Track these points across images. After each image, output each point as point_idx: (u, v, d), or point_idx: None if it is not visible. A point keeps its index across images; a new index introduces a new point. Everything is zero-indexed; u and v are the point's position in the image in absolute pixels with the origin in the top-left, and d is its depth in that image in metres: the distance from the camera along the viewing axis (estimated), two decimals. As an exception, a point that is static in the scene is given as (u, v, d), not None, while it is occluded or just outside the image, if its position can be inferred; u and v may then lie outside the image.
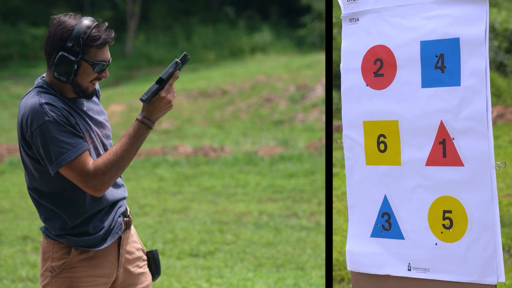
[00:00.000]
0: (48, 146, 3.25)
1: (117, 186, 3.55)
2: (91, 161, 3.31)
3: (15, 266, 7.34)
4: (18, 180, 11.67)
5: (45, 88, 3.37)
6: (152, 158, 12.80)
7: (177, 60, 3.42)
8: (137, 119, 3.38)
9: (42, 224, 3.51)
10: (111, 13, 24.41)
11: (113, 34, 3.39)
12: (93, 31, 3.31)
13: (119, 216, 3.52)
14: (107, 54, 3.39)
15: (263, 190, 10.52)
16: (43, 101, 3.29)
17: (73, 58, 3.29)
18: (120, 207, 3.55)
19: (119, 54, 22.75)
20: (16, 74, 21.85)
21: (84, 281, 3.42)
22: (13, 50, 23.87)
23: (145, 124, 3.37)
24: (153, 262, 3.74)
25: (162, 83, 3.39)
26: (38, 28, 24.03)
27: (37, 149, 3.28)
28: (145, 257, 3.72)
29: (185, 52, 3.48)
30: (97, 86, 3.65)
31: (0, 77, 21.45)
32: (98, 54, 3.34)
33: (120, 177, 3.61)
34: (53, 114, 3.27)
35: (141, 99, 3.37)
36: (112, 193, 3.49)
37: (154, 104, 3.38)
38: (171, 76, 3.40)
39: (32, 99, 3.32)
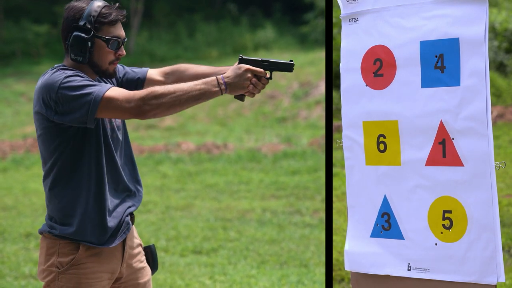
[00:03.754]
0: (77, 92, 3.25)
1: (132, 195, 3.61)
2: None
3: (18, 263, 7.35)
4: (21, 177, 11.69)
5: (66, 68, 3.40)
6: (155, 155, 12.81)
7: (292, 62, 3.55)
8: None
9: (45, 222, 3.53)
10: (121, 5, 24.34)
11: (124, 12, 3.45)
12: (104, 9, 3.39)
13: (127, 215, 3.56)
14: (120, 31, 3.44)
15: (266, 187, 10.53)
16: (63, 70, 3.35)
17: (86, 36, 3.34)
18: (130, 207, 3.59)
19: (122, 51, 22.70)
20: (19, 71, 21.85)
21: (91, 277, 3.43)
22: (16, 47, 23.88)
23: (217, 80, 3.36)
24: (151, 256, 3.77)
25: (266, 66, 3.47)
26: (41, 26, 24.05)
27: (68, 103, 3.26)
28: (143, 251, 3.75)
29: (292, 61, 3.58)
30: (120, 72, 3.70)
31: (3, 75, 21.46)
32: (110, 30, 3.40)
33: (140, 184, 3.69)
34: (71, 72, 3.32)
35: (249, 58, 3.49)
36: (120, 207, 3.54)
37: (236, 71, 3.41)
38: (273, 65, 3.50)
39: (52, 73, 3.35)
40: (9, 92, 19.37)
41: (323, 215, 9.01)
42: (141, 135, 14.87)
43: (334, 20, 4.35)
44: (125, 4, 24.33)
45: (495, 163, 3.33)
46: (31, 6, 25.85)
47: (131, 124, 15.30)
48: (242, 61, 3.47)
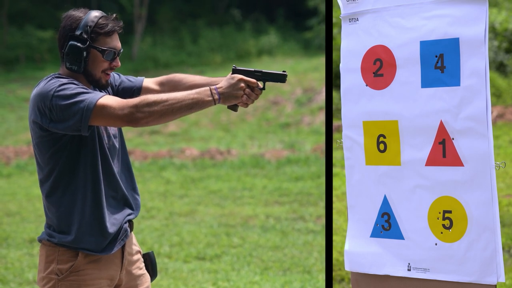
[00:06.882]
0: (71, 100, 3.26)
1: (129, 204, 3.60)
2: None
3: (22, 269, 7.35)
4: (25, 183, 11.69)
5: (61, 76, 3.41)
6: (158, 161, 12.81)
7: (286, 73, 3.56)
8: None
9: (44, 230, 3.53)
10: (118, 16, 24.35)
11: (121, 23, 3.48)
12: (100, 19, 3.41)
13: (126, 222, 3.56)
14: (116, 42, 3.46)
15: (270, 193, 10.52)
16: (58, 78, 3.36)
17: (81, 46, 3.35)
18: (129, 215, 3.59)
19: (126, 57, 22.76)
20: (23, 77, 21.85)
21: (91, 283, 3.44)
22: (20, 52, 23.88)
23: (211, 90, 3.37)
24: (150, 263, 3.78)
25: (259, 76, 3.50)
26: (45, 31, 24.08)
27: (61, 110, 3.27)
28: (142, 258, 3.75)
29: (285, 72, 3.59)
30: (116, 80, 3.71)
31: (7, 80, 21.47)
32: (107, 41, 3.42)
33: (137, 192, 3.67)
34: (65, 80, 3.33)
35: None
36: (120, 215, 3.53)
37: (230, 81, 3.42)
38: (264, 76, 3.52)
39: (47, 81, 3.35)
40: (13, 97, 19.38)
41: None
42: (145, 141, 14.88)
43: (334, 20, 4.36)
44: (129, 10, 24.44)
45: (495, 163, 3.33)
46: (35, 12, 25.88)
47: (135, 130, 15.29)
48: (235, 71, 3.49)
